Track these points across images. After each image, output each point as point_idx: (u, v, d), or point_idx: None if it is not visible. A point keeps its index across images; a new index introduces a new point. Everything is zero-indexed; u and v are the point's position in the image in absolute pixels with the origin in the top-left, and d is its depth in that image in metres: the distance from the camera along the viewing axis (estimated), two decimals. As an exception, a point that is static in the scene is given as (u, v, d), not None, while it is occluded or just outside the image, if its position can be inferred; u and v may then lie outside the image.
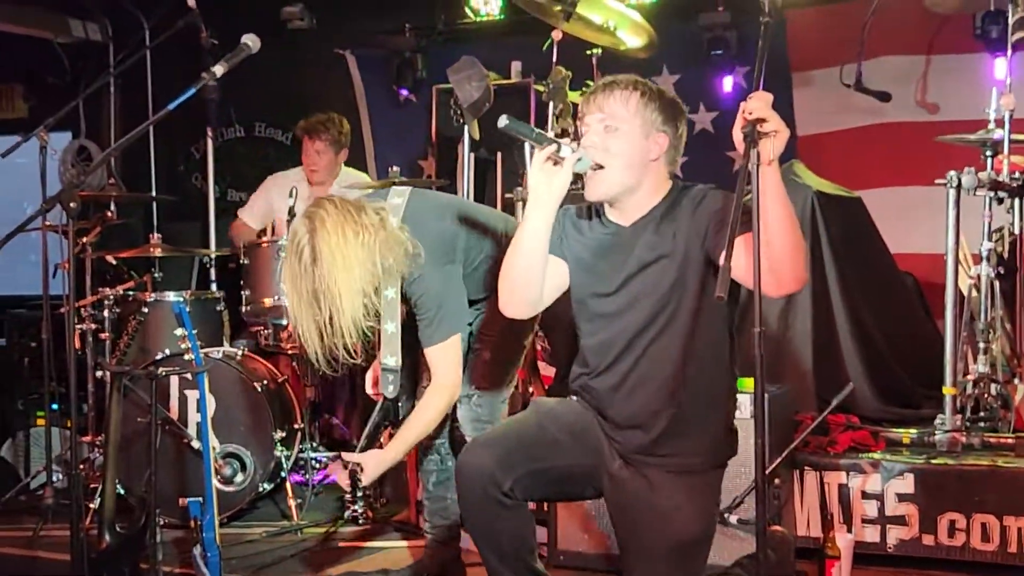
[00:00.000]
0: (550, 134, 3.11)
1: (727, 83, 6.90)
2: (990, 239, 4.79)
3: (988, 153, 4.82)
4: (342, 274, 3.61)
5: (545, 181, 3.14)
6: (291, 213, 5.39)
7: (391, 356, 3.90)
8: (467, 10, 7.53)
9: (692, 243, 3.14)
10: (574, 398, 3.40)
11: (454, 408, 4.12)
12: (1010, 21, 4.86)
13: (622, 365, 3.24)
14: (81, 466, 5.41)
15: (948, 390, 4.61)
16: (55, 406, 5.60)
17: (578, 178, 3.20)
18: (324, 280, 3.62)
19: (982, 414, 4.72)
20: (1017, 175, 4.76)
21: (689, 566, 3.18)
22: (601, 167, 3.18)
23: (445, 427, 4.23)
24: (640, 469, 3.22)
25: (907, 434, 4.71)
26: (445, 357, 3.88)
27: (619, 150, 3.18)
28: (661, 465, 3.20)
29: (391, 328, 3.87)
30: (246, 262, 5.52)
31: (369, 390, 4.20)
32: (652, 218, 3.23)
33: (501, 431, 3.37)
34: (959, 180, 4.57)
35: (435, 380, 3.90)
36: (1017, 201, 4.93)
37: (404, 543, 4.89)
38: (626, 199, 3.24)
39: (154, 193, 7.69)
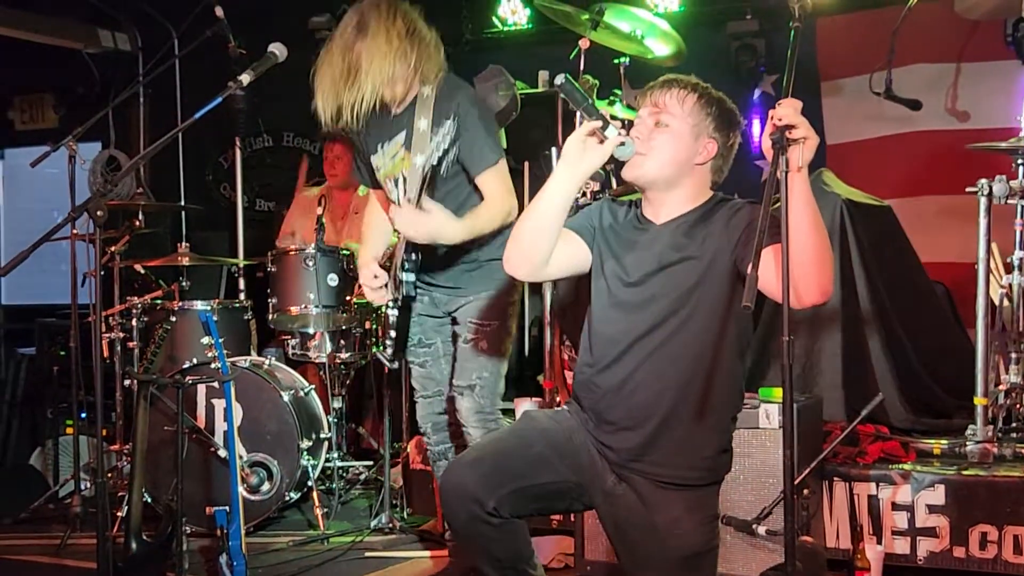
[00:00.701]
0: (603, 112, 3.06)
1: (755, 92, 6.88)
2: (1022, 248, 4.74)
3: (1020, 161, 4.77)
4: (379, 53, 3.89)
5: (580, 151, 3.10)
6: (319, 222, 5.41)
7: (415, 190, 3.91)
8: (495, 19, 7.54)
9: (721, 252, 3.09)
10: (566, 408, 3.34)
11: (454, 410, 4.11)
12: (1042, 27, 4.82)
13: (629, 361, 3.16)
14: (108, 475, 5.43)
15: (979, 400, 4.56)
16: (84, 415, 5.62)
17: (612, 161, 3.16)
18: (361, 54, 3.91)
19: (1014, 424, 4.68)
20: (1049, 183, 4.71)
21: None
22: (642, 155, 3.15)
23: (448, 432, 4.27)
24: (634, 484, 3.15)
25: (938, 445, 4.66)
26: (498, 181, 3.95)
27: (664, 146, 3.16)
28: (655, 476, 3.12)
29: (420, 162, 3.92)
30: (273, 270, 5.54)
31: (373, 297, 4.15)
32: (685, 221, 3.19)
33: (483, 448, 3.28)
34: (990, 188, 4.53)
35: (489, 198, 3.93)
36: (1049, 210, 4.87)
37: (428, 553, 4.87)
38: (661, 195, 3.22)
39: (183, 202, 7.73)
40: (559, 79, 3.08)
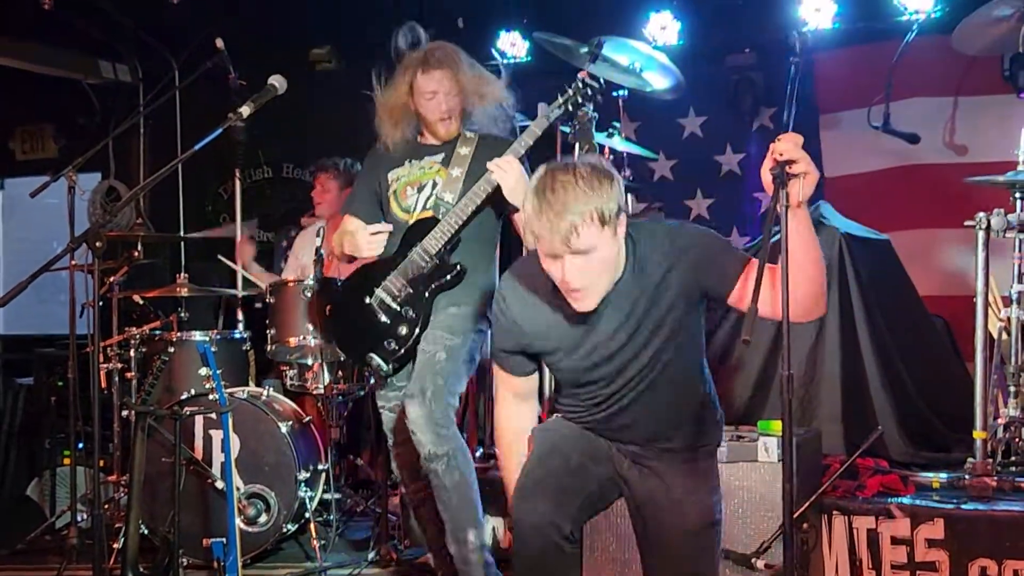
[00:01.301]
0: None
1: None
2: (1020, 282, 4.75)
3: (1018, 195, 4.78)
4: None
5: None
6: (318, 253, 5.40)
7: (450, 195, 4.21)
8: (494, 51, 7.56)
9: (680, 292, 3.15)
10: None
11: (402, 416, 4.14)
12: (1039, 62, 4.84)
13: (615, 413, 3.32)
14: (105, 506, 5.41)
15: (978, 434, 4.55)
16: (81, 445, 5.61)
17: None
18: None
19: (1013, 458, 4.66)
20: (1047, 217, 4.72)
21: (708, 549, 3.28)
22: (580, 292, 3.09)
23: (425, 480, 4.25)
24: (646, 464, 3.33)
25: (937, 479, 4.65)
26: None
27: (598, 270, 3.07)
28: (663, 459, 3.31)
29: (456, 172, 4.26)
30: (272, 301, 5.54)
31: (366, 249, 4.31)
32: (619, 290, 3.17)
33: (534, 476, 3.30)
34: (988, 222, 4.54)
35: None
36: (1048, 243, 4.88)
37: (427, 586, 4.85)
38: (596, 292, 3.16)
39: (182, 233, 7.74)
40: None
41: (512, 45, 7.49)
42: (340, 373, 5.56)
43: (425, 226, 4.22)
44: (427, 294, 4.20)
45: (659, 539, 3.28)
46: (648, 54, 5.93)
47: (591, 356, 3.25)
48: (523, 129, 4.33)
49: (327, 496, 5.49)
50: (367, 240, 4.24)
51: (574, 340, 3.26)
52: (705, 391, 3.39)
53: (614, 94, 6.19)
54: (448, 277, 4.20)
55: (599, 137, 5.81)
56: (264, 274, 6.61)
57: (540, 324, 3.29)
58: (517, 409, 3.51)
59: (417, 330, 4.19)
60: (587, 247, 2.99)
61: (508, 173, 4.06)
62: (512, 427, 3.51)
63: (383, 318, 4.23)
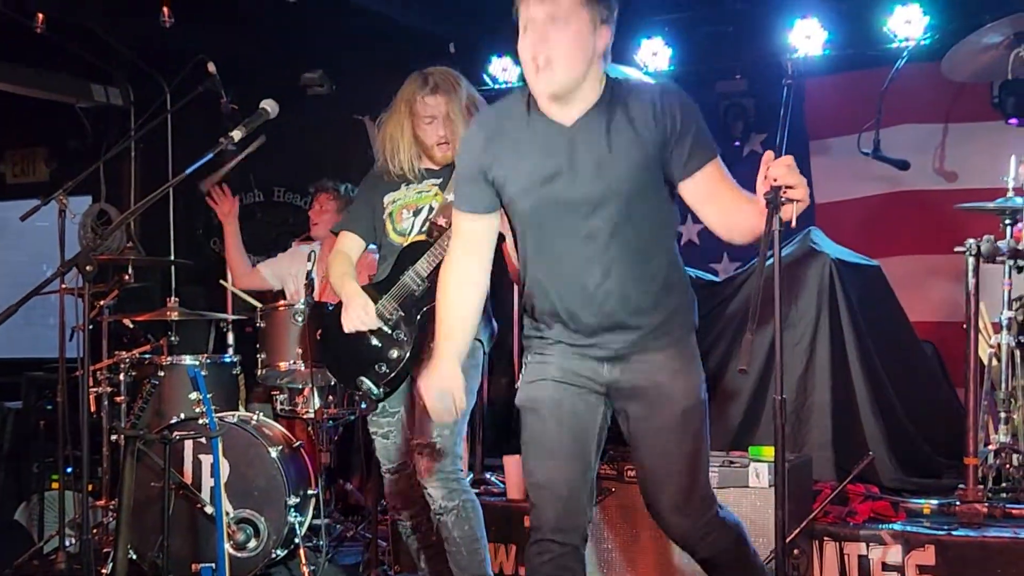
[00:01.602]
0: None
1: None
2: (1010, 308, 4.77)
3: (1007, 221, 4.80)
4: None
5: None
6: (308, 277, 5.40)
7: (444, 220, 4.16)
8: (485, 76, 7.58)
9: (654, 136, 3.08)
10: (534, 363, 3.32)
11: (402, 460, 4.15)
12: (1028, 90, 4.87)
13: (589, 274, 3.16)
14: (94, 531, 5.38)
15: (969, 460, 4.55)
16: (70, 469, 5.58)
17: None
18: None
19: (1004, 484, 4.67)
20: (1037, 243, 4.74)
21: (698, 430, 3.22)
22: (547, 60, 3.02)
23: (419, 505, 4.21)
24: (628, 357, 3.20)
25: (928, 505, 4.66)
26: None
27: (568, 44, 3.02)
28: (646, 349, 3.19)
29: (452, 197, 4.09)
30: (262, 326, 5.53)
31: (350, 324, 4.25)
32: (594, 117, 3.11)
33: (545, 491, 3.25)
34: (978, 248, 4.55)
35: None
36: (1037, 270, 4.90)
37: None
38: (570, 95, 3.10)
39: (173, 256, 7.73)
40: None
41: (504, 70, 7.51)
42: (330, 398, 5.55)
43: (418, 249, 4.23)
44: (419, 317, 4.20)
45: (649, 427, 3.22)
46: (633, 76, 5.95)
47: (561, 186, 3.11)
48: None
49: (317, 521, 5.46)
50: (357, 315, 4.22)
51: (544, 167, 3.13)
52: (679, 269, 3.29)
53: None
54: None
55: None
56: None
57: (509, 143, 3.19)
58: (465, 262, 3.36)
59: (408, 354, 4.19)
60: (563, 12, 3.00)
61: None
62: (455, 280, 3.37)
63: (374, 341, 4.22)
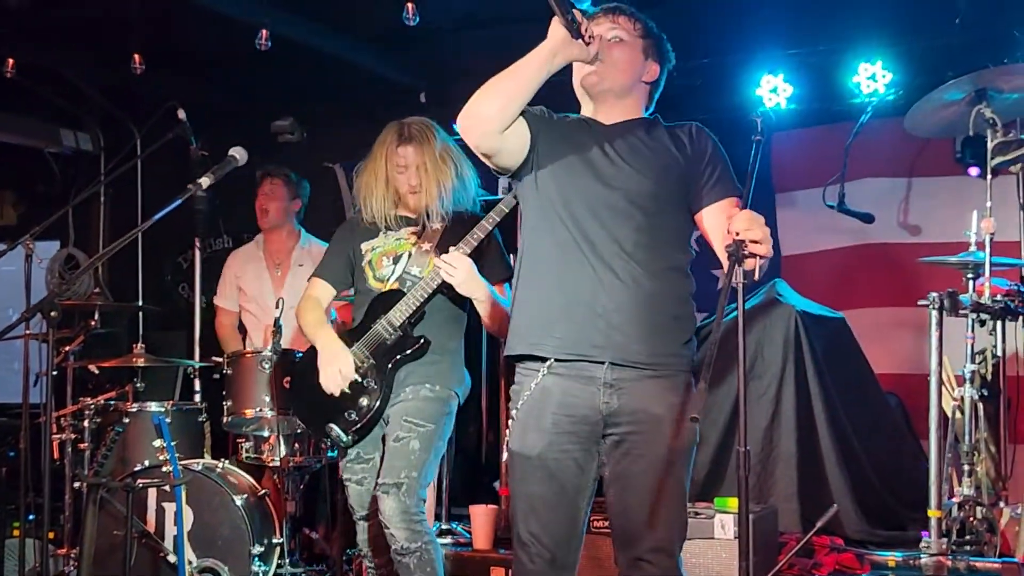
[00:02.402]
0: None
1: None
2: (973, 361, 4.81)
3: (970, 275, 4.86)
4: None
5: (562, 37, 3.19)
6: (276, 323, 5.39)
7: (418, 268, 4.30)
8: (454, 127, 7.61)
9: (681, 162, 3.33)
10: (526, 394, 3.26)
11: (375, 507, 4.12)
12: (989, 146, 4.93)
13: (601, 281, 3.20)
14: (54, 579, 5.32)
15: (933, 512, 4.57)
16: (31, 517, 5.52)
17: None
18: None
19: (968, 537, 4.68)
20: (999, 297, 4.78)
21: (682, 475, 3.21)
22: (601, 63, 3.30)
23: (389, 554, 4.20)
24: (625, 387, 3.19)
25: (892, 557, 4.67)
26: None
27: (622, 56, 3.35)
28: (643, 380, 3.18)
29: (427, 247, 4.37)
30: (229, 372, 5.50)
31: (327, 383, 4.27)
32: (636, 124, 3.39)
33: (542, 545, 3.23)
34: (941, 301, 4.60)
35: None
36: (999, 324, 4.95)
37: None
38: (612, 100, 3.38)
39: (140, 302, 7.69)
40: None
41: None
42: (296, 446, 5.51)
43: (391, 298, 4.25)
44: (390, 365, 4.21)
45: (636, 461, 3.18)
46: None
47: (591, 177, 3.27)
48: (487, 205, 4.36)
49: (281, 571, 5.42)
50: (333, 375, 4.23)
51: (579, 157, 3.31)
52: (688, 300, 3.34)
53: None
54: (411, 350, 4.22)
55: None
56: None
57: (558, 128, 3.39)
58: None
59: (378, 403, 4.19)
60: (624, 33, 3.36)
61: (456, 271, 4.07)
62: None
63: (344, 388, 4.22)
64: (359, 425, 4.20)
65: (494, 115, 3.23)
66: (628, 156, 3.29)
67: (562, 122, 3.42)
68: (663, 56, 3.50)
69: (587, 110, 3.44)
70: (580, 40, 3.18)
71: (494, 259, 4.30)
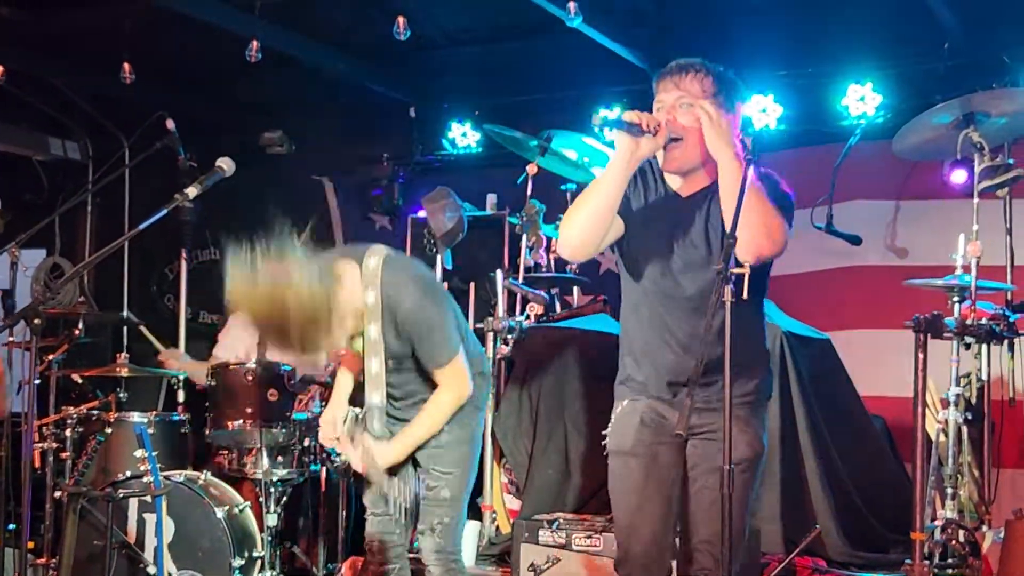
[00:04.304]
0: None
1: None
2: (957, 384, 4.81)
3: (955, 299, 4.86)
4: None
5: (627, 144, 3.23)
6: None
7: (376, 394, 3.95)
8: (444, 142, 7.64)
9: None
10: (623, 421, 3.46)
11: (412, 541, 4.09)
12: (976, 170, 4.95)
13: (696, 317, 3.31)
14: (33, 589, 5.28)
15: (916, 535, 4.56)
16: (11, 526, 5.48)
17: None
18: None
19: (950, 560, 4.67)
20: (984, 321, 4.79)
21: (748, 483, 3.42)
22: (678, 139, 3.30)
23: (392, 553, 4.17)
24: (705, 409, 3.33)
25: (875, 579, 4.66)
26: (452, 374, 3.94)
27: (692, 131, 3.31)
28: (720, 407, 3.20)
29: (375, 367, 3.93)
30: (212, 384, 5.48)
31: (324, 438, 4.20)
32: (708, 193, 3.38)
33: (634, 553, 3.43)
34: (926, 324, 4.59)
35: (442, 387, 3.97)
36: (984, 347, 4.96)
37: None
38: (694, 172, 3.40)
39: (125, 312, 7.66)
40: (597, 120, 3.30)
41: (463, 135, 7.57)
42: (279, 458, 5.50)
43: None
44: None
45: (706, 471, 3.34)
46: (597, 148, 6.02)
47: (670, 252, 3.38)
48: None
49: (262, 581, 5.40)
50: (325, 434, 4.19)
51: (659, 229, 3.40)
52: (763, 342, 3.57)
53: (562, 187, 6.27)
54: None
55: (546, 229, 5.86)
56: (196, 363, 6.49)
57: (641, 192, 3.45)
58: None
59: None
60: (690, 99, 3.30)
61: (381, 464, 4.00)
62: None
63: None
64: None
65: (587, 242, 3.38)
66: (698, 242, 3.37)
67: (646, 200, 3.44)
68: (739, 98, 3.48)
69: (670, 179, 3.45)
70: (646, 135, 3.22)
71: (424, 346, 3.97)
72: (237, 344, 6.41)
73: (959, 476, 4.81)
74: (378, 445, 3.96)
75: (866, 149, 6.28)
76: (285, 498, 5.67)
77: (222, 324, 6.67)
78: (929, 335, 4.59)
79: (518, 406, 5.41)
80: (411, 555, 4.24)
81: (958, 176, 5.73)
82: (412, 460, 4.14)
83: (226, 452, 5.59)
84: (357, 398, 4.19)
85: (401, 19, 5.84)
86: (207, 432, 5.48)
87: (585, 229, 3.35)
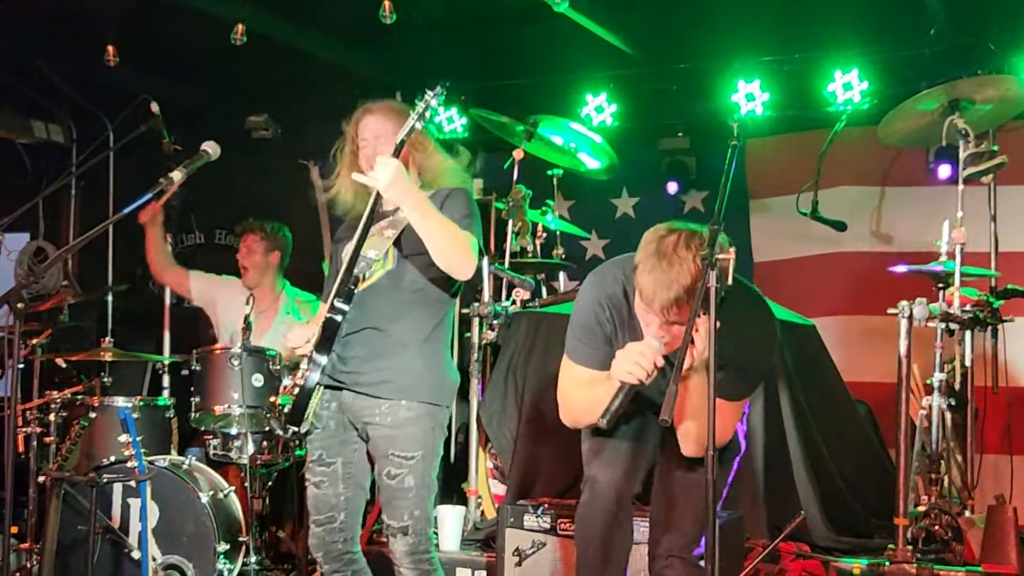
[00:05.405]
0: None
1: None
2: (941, 370, 4.83)
3: (939, 285, 4.88)
4: None
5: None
6: (246, 321, 5.36)
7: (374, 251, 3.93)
8: (431, 127, 7.60)
9: None
10: None
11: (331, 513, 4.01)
12: (961, 156, 4.96)
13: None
14: (17, 574, 5.27)
15: (899, 520, 4.58)
16: (-6, 511, 5.47)
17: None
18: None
19: (933, 545, 4.70)
20: (968, 308, 4.81)
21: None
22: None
23: (342, 561, 4.08)
24: None
25: (858, 564, 4.67)
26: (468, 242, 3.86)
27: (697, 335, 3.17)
28: None
29: (389, 233, 3.96)
30: (197, 369, 5.46)
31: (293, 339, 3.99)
32: None
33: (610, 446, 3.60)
34: (911, 311, 4.61)
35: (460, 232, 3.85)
36: (968, 333, 4.98)
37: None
38: None
39: (109, 296, 7.64)
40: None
41: (449, 120, 7.55)
42: (264, 443, 5.49)
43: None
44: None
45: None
46: (584, 134, 6.01)
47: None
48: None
49: (247, 569, 5.39)
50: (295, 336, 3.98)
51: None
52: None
53: (548, 173, 6.26)
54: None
55: (532, 215, 5.85)
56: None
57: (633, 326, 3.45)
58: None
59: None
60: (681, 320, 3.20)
61: (381, 171, 3.72)
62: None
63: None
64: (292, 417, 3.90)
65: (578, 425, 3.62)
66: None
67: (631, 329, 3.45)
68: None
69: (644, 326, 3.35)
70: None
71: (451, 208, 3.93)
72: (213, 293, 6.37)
73: (942, 462, 4.83)
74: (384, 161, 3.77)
75: (852, 135, 6.30)
76: (270, 483, 5.67)
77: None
78: (913, 321, 4.62)
79: (503, 391, 5.41)
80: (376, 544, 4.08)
81: (944, 171, 5.77)
82: (360, 432, 3.98)
83: (211, 437, 5.58)
84: None
85: (387, 2, 5.81)
86: (192, 416, 5.47)
87: (580, 425, 3.60)
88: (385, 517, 3.95)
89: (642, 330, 3.30)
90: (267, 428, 4.09)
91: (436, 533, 4.16)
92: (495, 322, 5.37)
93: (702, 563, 3.31)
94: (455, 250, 3.78)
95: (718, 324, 2.85)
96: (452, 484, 5.86)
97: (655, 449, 3.64)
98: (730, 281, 2.93)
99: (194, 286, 6.49)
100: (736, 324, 3.16)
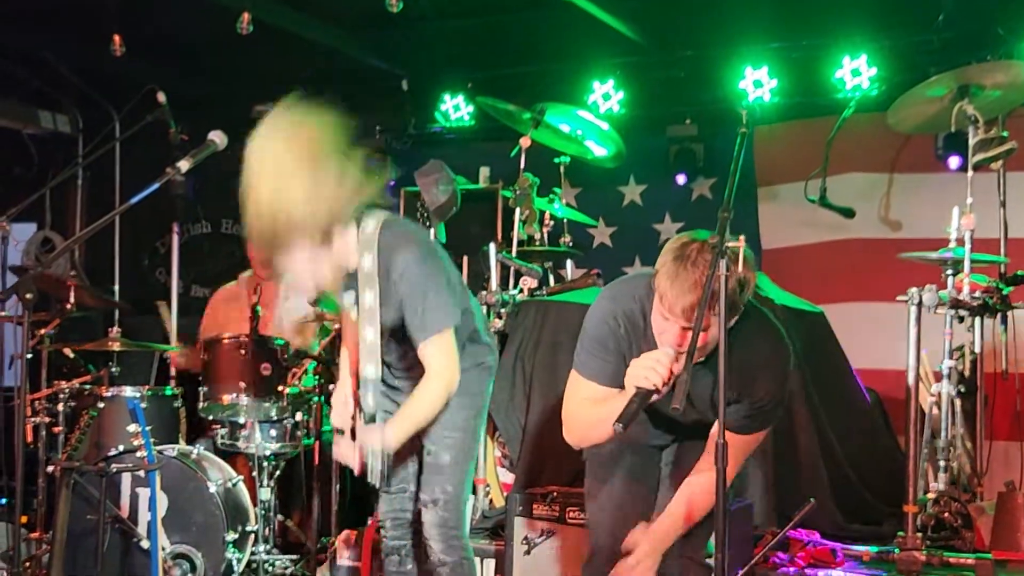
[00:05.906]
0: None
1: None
2: (951, 357, 4.81)
3: (949, 272, 4.86)
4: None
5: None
6: (254, 310, 5.37)
7: (371, 365, 3.78)
8: (438, 115, 7.61)
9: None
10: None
11: (418, 515, 4.01)
12: (970, 143, 4.94)
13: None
14: (27, 563, 5.28)
15: (909, 508, 4.57)
16: (3, 500, 5.48)
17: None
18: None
19: (943, 532, 4.69)
20: (978, 294, 4.79)
21: None
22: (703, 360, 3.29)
23: (407, 530, 4.14)
24: None
25: (867, 552, 4.67)
26: (439, 352, 3.72)
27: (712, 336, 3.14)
28: None
29: (370, 336, 3.74)
30: (206, 358, 5.46)
31: (337, 420, 4.01)
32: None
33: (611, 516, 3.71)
34: (920, 297, 4.59)
35: (429, 372, 3.74)
36: (977, 320, 4.96)
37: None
38: None
39: (116, 285, 7.64)
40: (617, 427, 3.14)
41: (456, 108, 7.54)
42: (272, 432, 5.49)
43: None
44: None
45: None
46: (591, 122, 6.00)
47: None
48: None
49: (255, 558, 5.40)
50: (336, 415, 4.03)
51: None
52: None
53: (555, 160, 6.24)
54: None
55: (540, 203, 5.84)
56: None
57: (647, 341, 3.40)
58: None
59: None
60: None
61: (380, 443, 3.76)
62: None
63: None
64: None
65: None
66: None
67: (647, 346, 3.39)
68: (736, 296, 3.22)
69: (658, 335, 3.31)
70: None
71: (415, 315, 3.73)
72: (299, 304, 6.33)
73: (951, 449, 4.82)
74: (369, 432, 3.76)
75: (860, 121, 6.28)
76: (278, 472, 5.68)
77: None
78: (923, 308, 4.60)
79: (511, 380, 5.40)
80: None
81: (953, 162, 5.74)
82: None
83: (219, 426, 5.59)
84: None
85: (393, -9, 5.80)
86: (200, 406, 5.47)
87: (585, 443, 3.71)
88: (420, 493, 3.99)
89: (657, 346, 3.26)
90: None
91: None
92: (503, 310, 5.37)
93: (709, 560, 3.33)
94: (444, 399, 3.82)
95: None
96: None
97: (651, 495, 3.75)
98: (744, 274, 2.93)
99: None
100: (745, 354, 3.27)
